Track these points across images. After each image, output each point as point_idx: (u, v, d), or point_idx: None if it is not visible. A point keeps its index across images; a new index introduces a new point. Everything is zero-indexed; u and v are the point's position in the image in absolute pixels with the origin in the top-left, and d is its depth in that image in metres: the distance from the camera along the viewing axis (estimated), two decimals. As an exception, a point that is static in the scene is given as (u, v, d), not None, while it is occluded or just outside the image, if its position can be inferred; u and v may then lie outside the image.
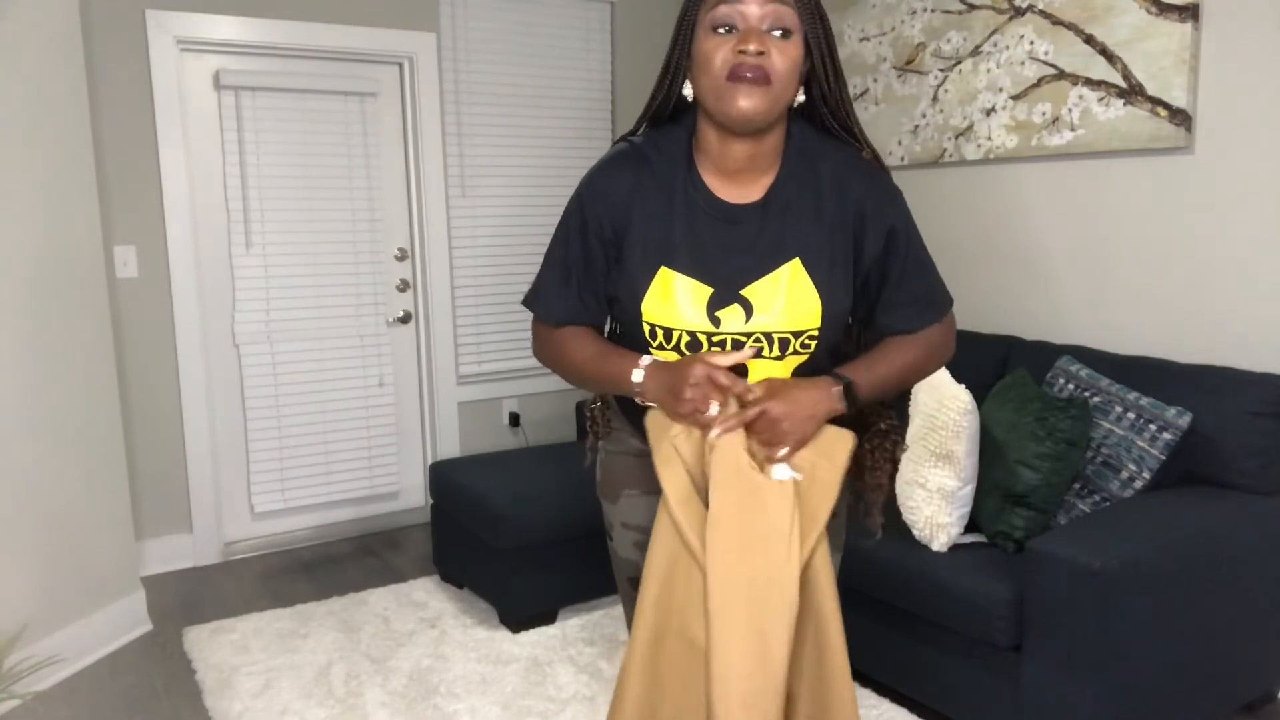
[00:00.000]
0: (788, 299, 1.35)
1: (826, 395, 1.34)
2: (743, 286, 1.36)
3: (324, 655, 2.88)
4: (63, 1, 2.81)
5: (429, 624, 3.09)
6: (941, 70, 3.31)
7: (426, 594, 3.34)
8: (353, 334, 3.92)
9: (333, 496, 3.93)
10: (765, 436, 1.32)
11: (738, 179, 1.38)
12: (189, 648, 2.96)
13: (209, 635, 3.03)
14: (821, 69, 1.35)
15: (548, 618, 3.07)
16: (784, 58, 1.29)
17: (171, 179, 3.51)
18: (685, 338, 1.37)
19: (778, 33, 1.29)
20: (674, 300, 1.36)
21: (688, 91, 1.37)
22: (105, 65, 3.36)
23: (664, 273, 1.37)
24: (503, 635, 2.99)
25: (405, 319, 4.05)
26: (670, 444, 1.35)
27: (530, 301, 1.49)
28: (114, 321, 3.38)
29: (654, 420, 1.39)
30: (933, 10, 3.32)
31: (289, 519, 3.90)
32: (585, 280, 1.43)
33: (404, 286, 4.03)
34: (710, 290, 1.36)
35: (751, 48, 1.26)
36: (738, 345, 1.37)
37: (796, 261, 1.36)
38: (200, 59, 3.57)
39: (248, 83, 3.61)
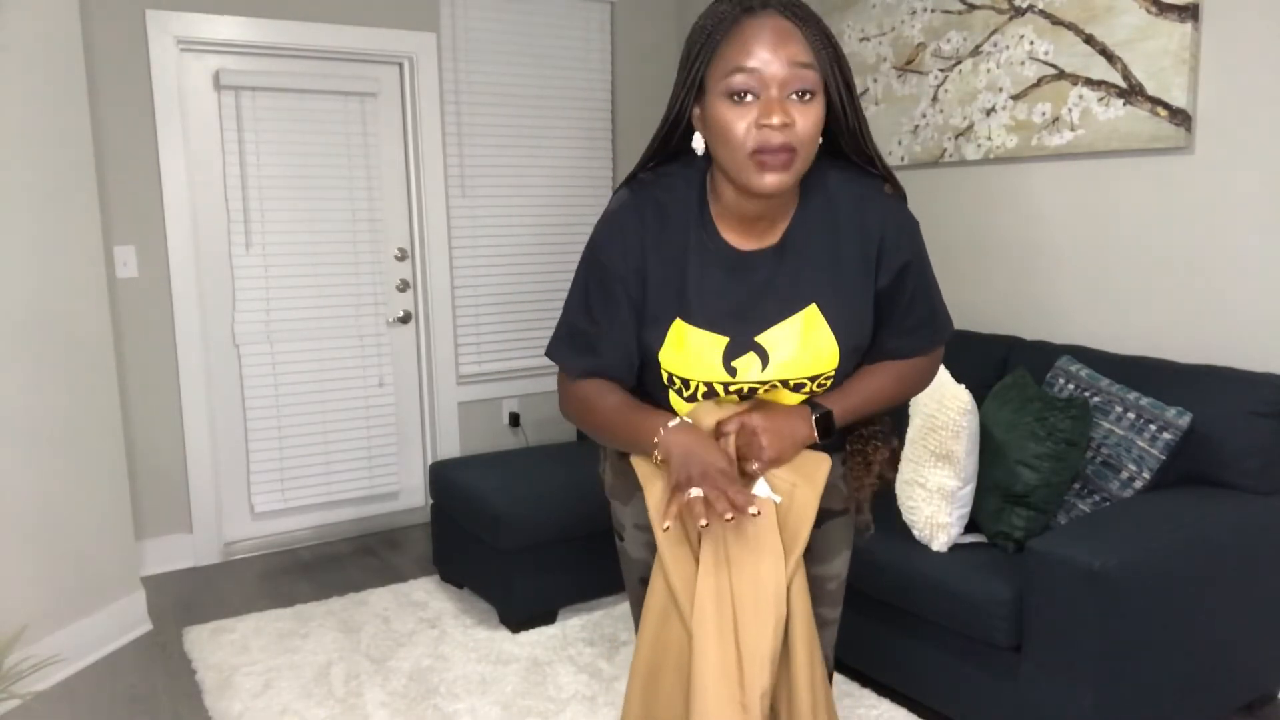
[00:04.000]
0: (803, 345, 1.34)
1: (805, 422, 1.36)
2: (757, 333, 1.34)
3: (324, 655, 2.88)
4: (63, 1, 2.81)
5: (429, 624, 3.09)
6: (941, 70, 3.31)
7: (426, 594, 3.34)
8: (353, 334, 3.92)
9: (333, 496, 3.94)
10: (742, 449, 1.34)
11: (755, 226, 1.34)
12: (189, 648, 2.96)
13: (209, 635, 3.03)
14: (840, 108, 1.29)
15: (548, 618, 3.07)
16: (807, 120, 1.22)
17: (171, 179, 3.51)
18: (702, 388, 1.36)
19: (799, 95, 1.21)
20: (689, 351, 1.35)
21: (698, 145, 1.31)
22: (105, 65, 3.36)
23: (678, 324, 1.35)
24: (503, 635, 2.99)
25: (405, 319, 4.05)
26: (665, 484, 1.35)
27: (553, 352, 1.44)
28: (114, 321, 3.38)
29: (647, 460, 1.39)
30: (933, 10, 3.32)
31: (289, 519, 3.90)
32: (609, 328, 1.38)
33: (404, 286, 4.03)
34: (726, 340, 1.34)
35: (775, 121, 1.19)
36: (753, 392, 1.37)
37: (813, 307, 1.34)
38: (200, 59, 3.57)
39: (248, 83, 3.61)
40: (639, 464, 1.41)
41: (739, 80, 1.21)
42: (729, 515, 1.19)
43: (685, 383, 1.37)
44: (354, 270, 3.90)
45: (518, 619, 3.02)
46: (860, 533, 1.57)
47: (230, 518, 3.78)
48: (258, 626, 3.09)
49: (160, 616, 3.22)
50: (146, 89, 3.45)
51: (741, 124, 1.21)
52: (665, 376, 1.38)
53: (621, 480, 1.56)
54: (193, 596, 3.40)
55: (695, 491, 1.21)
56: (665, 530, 1.27)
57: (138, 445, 3.54)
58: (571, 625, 3.05)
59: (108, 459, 2.99)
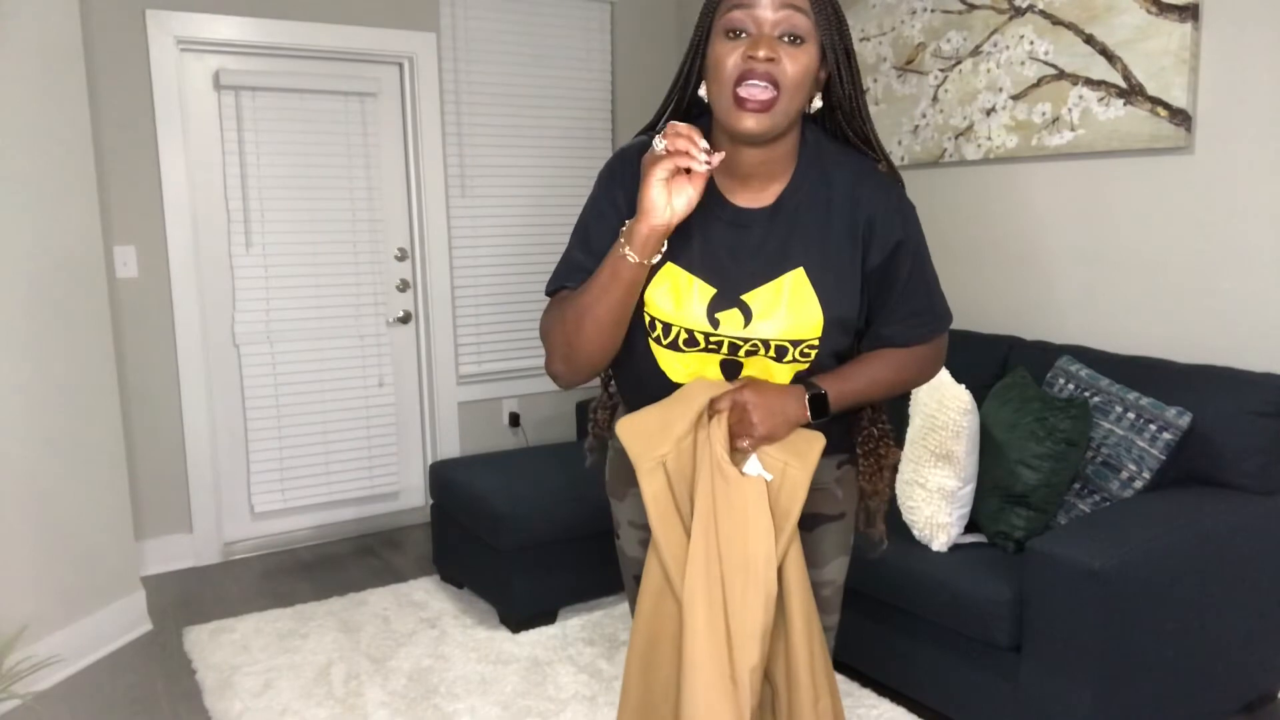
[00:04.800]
0: (788, 308, 1.35)
1: (798, 401, 1.36)
2: (744, 291, 1.36)
3: (324, 655, 2.88)
4: (63, 2, 2.81)
5: (429, 624, 3.09)
6: (941, 70, 3.31)
7: (426, 594, 3.34)
8: (353, 334, 3.92)
9: (333, 496, 3.93)
10: (734, 426, 1.34)
11: (750, 183, 1.37)
12: (189, 648, 2.96)
13: (209, 635, 3.03)
14: (837, 76, 1.33)
15: (548, 618, 3.07)
16: (795, 65, 1.26)
17: (171, 179, 3.51)
18: (684, 334, 1.38)
19: (790, 39, 1.26)
20: (677, 295, 1.36)
21: (704, 93, 1.35)
22: (105, 65, 3.36)
23: (670, 268, 1.36)
24: (503, 635, 2.99)
25: (405, 319, 4.05)
26: (656, 460, 1.36)
27: (552, 283, 1.44)
28: (114, 321, 3.38)
29: (635, 434, 1.39)
30: (933, 10, 3.32)
31: (289, 519, 3.90)
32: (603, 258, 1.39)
33: (404, 286, 4.03)
34: (714, 291, 1.36)
35: (761, 54, 1.24)
36: (734, 349, 1.37)
37: (800, 271, 1.35)
38: (200, 59, 3.57)
39: (248, 83, 3.61)
40: (622, 426, 1.40)
41: (736, 16, 1.27)
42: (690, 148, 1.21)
43: (667, 328, 1.38)
44: (354, 270, 3.90)
45: (518, 619, 3.02)
46: (874, 546, 1.55)
47: (230, 518, 3.78)
48: (258, 626, 3.09)
49: (160, 616, 3.22)
50: (146, 89, 3.44)
51: (731, 57, 1.26)
52: (648, 320, 1.39)
53: (617, 476, 1.56)
54: (193, 596, 3.40)
55: (660, 144, 1.23)
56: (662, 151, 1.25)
57: (138, 445, 3.54)
58: (571, 625, 3.05)
59: (108, 459, 2.99)
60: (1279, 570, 2.37)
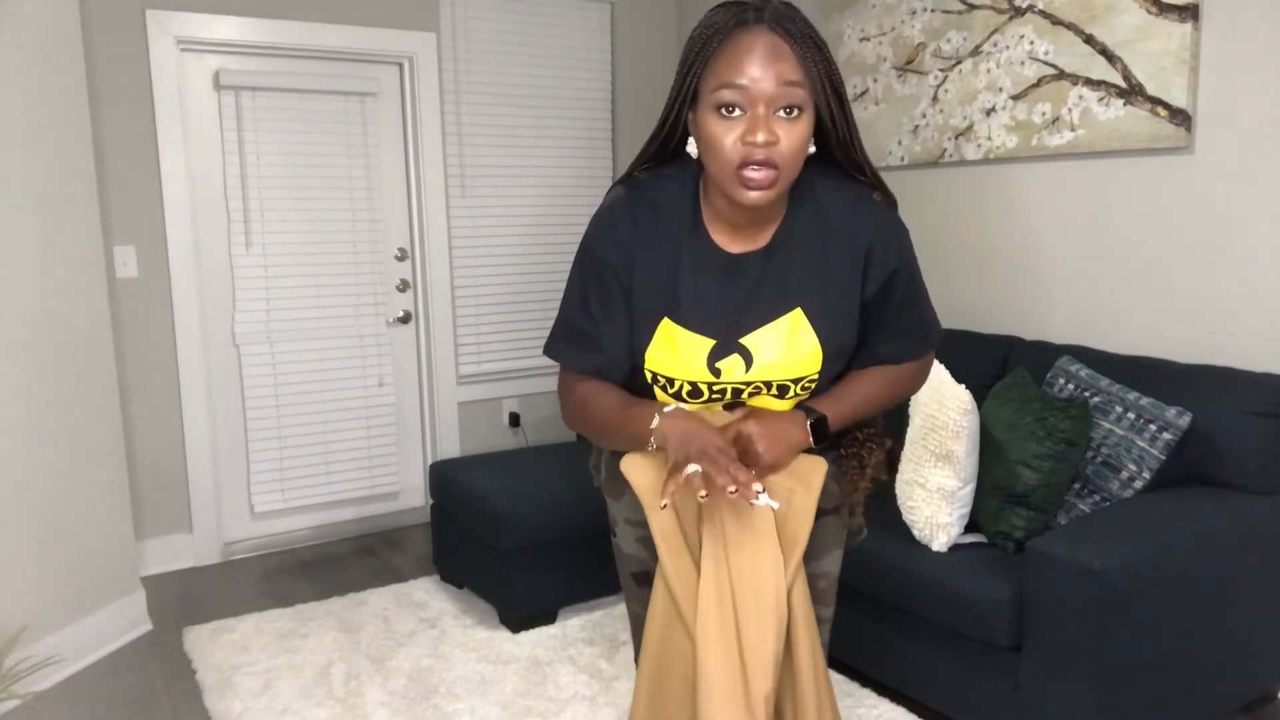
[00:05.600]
0: (787, 348, 1.36)
1: (800, 427, 1.37)
2: (742, 335, 1.36)
3: (324, 655, 2.88)
4: (63, 1, 2.81)
5: (429, 624, 3.09)
6: (941, 70, 3.31)
7: (426, 594, 3.34)
8: (353, 334, 3.92)
9: (333, 496, 3.93)
10: (739, 457, 1.34)
11: (745, 230, 1.36)
12: (189, 648, 2.96)
13: (209, 635, 3.03)
14: (830, 120, 1.31)
15: (548, 618, 3.07)
16: (793, 136, 1.24)
17: (171, 179, 3.51)
18: (686, 386, 1.38)
19: (786, 111, 1.24)
20: (676, 351, 1.37)
21: (693, 150, 1.33)
22: (105, 65, 3.36)
23: (666, 324, 1.37)
24: (503, 635, 2.99)
25: (405, 319, 4.05)
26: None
27: (553, 350, 1.45)
28: (114, 321, 3.38)
29: (642, 471, 1.38)
30: (933, 10, 3.32)
31: (289, 519, 3.90)
32: (607, 323, 1.40)
33: (404, 286, 4.03)
34: (712, 342, 1.36)
35: (760, 138, 1.21)
36: (737, 393, 1.38)
37: (798, 311, 1.36)
38: (200, 59, 3.57)
39: (248, 83, 3.61)
40: (627, 464, 1.40)
41: (727, 95, 1.23)
42: (732, 489, 1.17)
43: (670, 381, 1.39)
44: (354, 270, 3.90)
45: (518, 619, 3.02)
46: (853, 536, 1.58)
47: (230, 518, 3.78)
48: (258, 626, 3.09)
49: (160, 616, 3.22)
50: (146, 89, 3.45)
51: (729, 138, 1.24)
52: (649, 376, 1.40)
53: (613, 476, 1.57)
54: (193, 596, 3.40)
55: (693, 467, 1.20)
56: (663, 508, 1.25)
57: (138, 445, 3.54)
58: (571, 625, 3.05)
59: (108, 459, 2.99)
60: (1279, 570, 2.37)
